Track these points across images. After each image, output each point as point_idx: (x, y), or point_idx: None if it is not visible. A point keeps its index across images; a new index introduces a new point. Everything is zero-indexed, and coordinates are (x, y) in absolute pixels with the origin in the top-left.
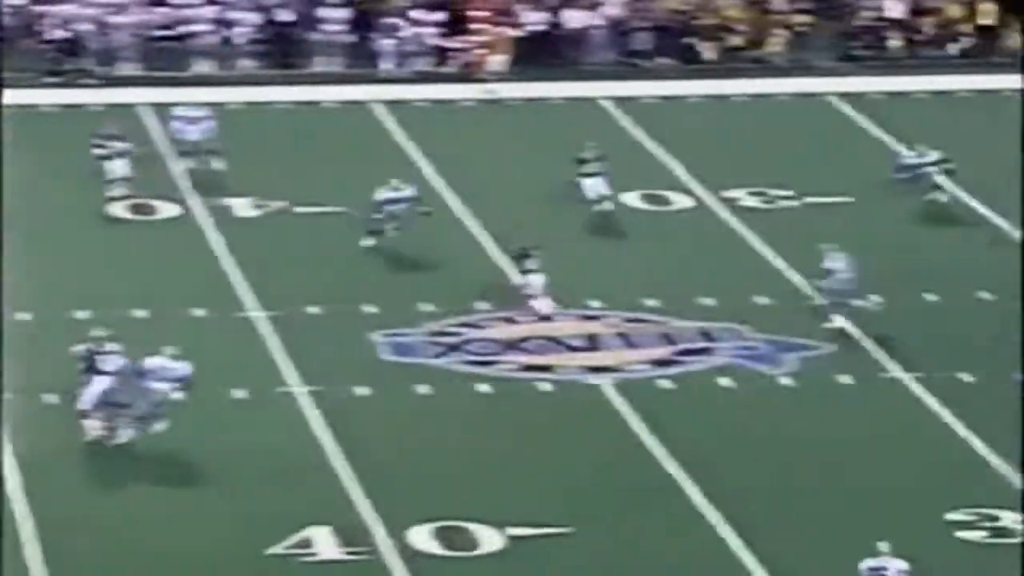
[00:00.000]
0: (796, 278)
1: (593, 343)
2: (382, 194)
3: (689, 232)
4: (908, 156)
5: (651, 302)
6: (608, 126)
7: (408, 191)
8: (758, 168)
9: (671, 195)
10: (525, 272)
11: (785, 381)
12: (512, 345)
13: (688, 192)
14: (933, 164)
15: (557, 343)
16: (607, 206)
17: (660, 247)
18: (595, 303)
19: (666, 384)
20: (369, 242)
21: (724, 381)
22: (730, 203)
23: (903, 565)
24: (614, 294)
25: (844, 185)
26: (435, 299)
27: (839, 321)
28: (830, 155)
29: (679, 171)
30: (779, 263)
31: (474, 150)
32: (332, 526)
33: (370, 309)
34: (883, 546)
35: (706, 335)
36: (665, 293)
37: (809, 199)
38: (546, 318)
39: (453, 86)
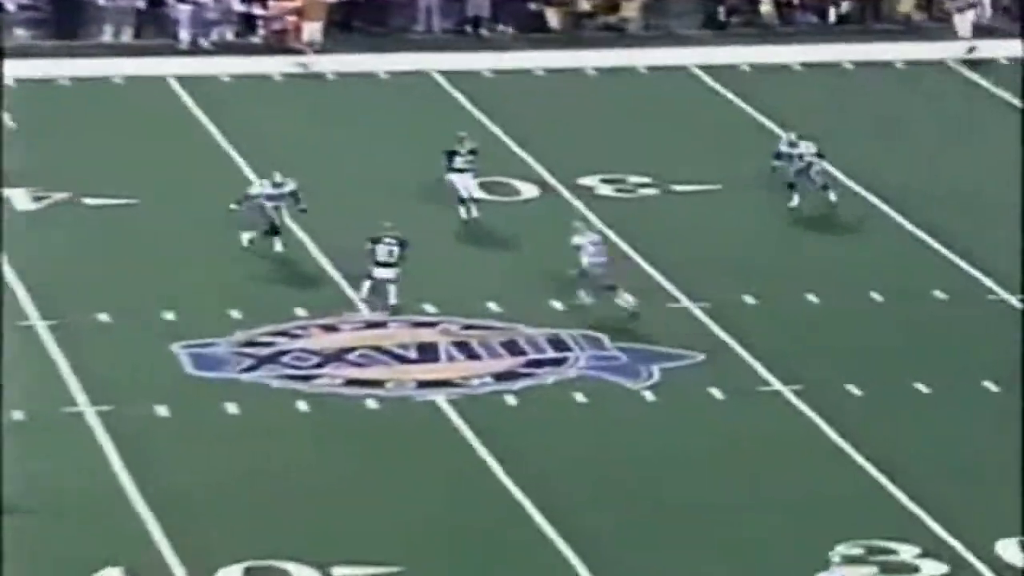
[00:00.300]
0: (660, 278)
1: (427, 353)
2: (257, 188)
3: (537, 226)
4: (787, 144)
5: (493, 306)
6: (441, 103)
7: (289, 186)
8: (613, 152)
9: (517, 183)
10: (380, 265)
11: (648, 396)
12: (334, 356)
13: (536, 180)
14: (817, 155)
15: (386, 354)
16: (474, 212)
17: (504, 243)
18: (429, 307)
19: (511, 401)
20: (247, 237)
21: (578, 396)
22: (584, 192)
23: None
24: (451, 297)
25: (711, 172)
26: (245, 304)
27: (585, 298)
28: (695, 137)
29: (524, 156)
30: (639, 261)
31: (288, 133)
32: (126, 568)
33: (169, 316)
34: (835, 556)
35: (557, 343)
36: (510, 296)
37: (673, 187)
38: (376, 324)
39: (261, 59)
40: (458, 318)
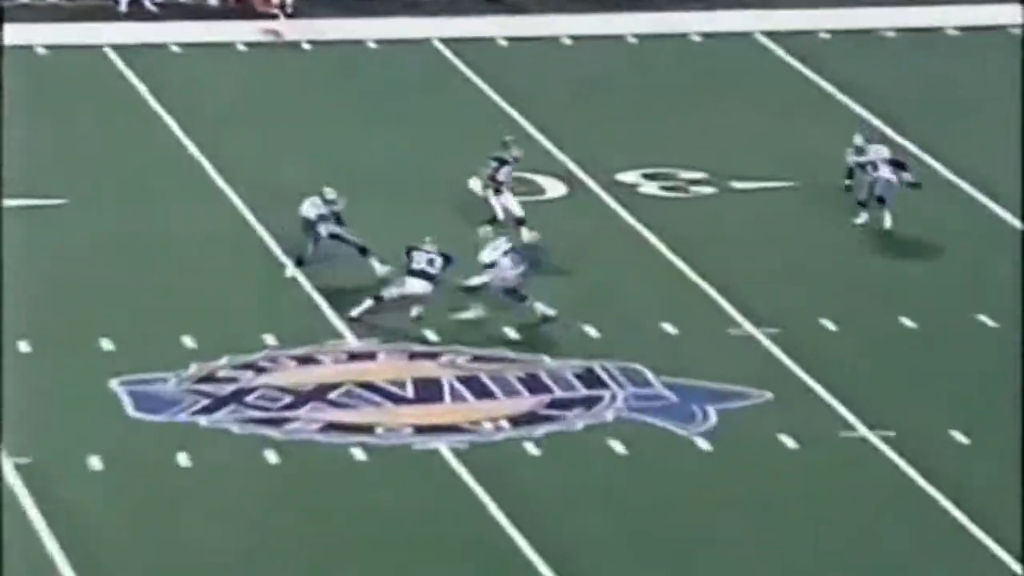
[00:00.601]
0: (718, 297)
1: (427, 391)
2: (310, 209)
3: (564, 232)
4: (855, 150)
5: (510, 332)
6: (445, 79)
7: (338, 204)
8: (660, 140)
9: (539, 179)
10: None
11: (703, 444)
12: (311, 395)
13: (562, 175)
14: (892, 164)
15: (375, 391)
16: (527, 236)
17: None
18: (429, 334)
19: (532, 450)
20: (291, 271)
21: (616, 445)
22: (623, 190)
23: None
24: (454, 322)
25: (783, 165)
26: (201, 330)
27: (474, 312)
28: (763, 120)
29: (548, 145)
30: (691, 275)
31: (255, 117)
32: None
33: (106, 345)
34: None
35: (589, 379)
36: (530, 320)
37: (734, 184)
38: (363, 355)
39: (220, 24)
40: (465, 347)
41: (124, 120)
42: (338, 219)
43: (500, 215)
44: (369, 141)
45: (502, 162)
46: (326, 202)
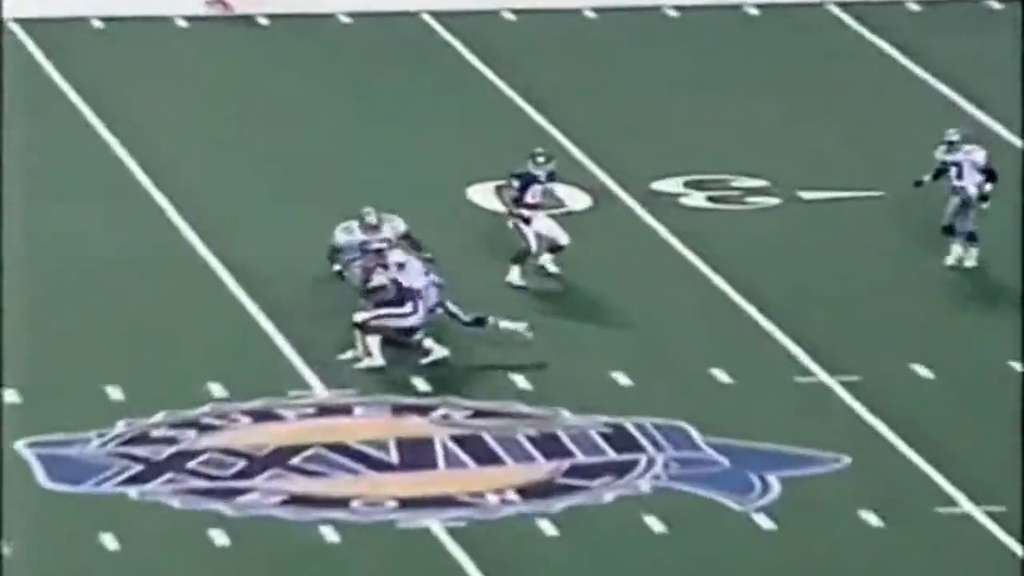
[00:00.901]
0: (782, 337)
1: (416, 454)
2: (344, 235)
3: (588, 252)
4: (945, 148)
5: (519, 380)
6: (437, 61)
7: (391, 228)
8: (708, 140)
9: (559, 188)
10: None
11: (763, 521)
12: (270, 459)
13: (587, 184)
14: (984, 172)
15: (351, 455)
16: (552, 268)
17: (538, 280)
18: (418, 381)
19: (549, 530)
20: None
21: (654, 523)
22: (662, 201)
23: None
24: (454, 364)
25: (863, 171)
26: (131, 377)
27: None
28: (837, 115)
29: (569, 146)
30: (746, 307)
31: (197, 109)
32: None
33: (11, 398)
34: None
35: (620, 438)
36: (545, 363)
37: (800, 194)
38: (335, 409)
39: None
40: (464, 399)
41: (32, 107)
42: (414, 244)
43: (534, 245)
44: (341, 138)
45: (528, 180)
46: (366, 227)
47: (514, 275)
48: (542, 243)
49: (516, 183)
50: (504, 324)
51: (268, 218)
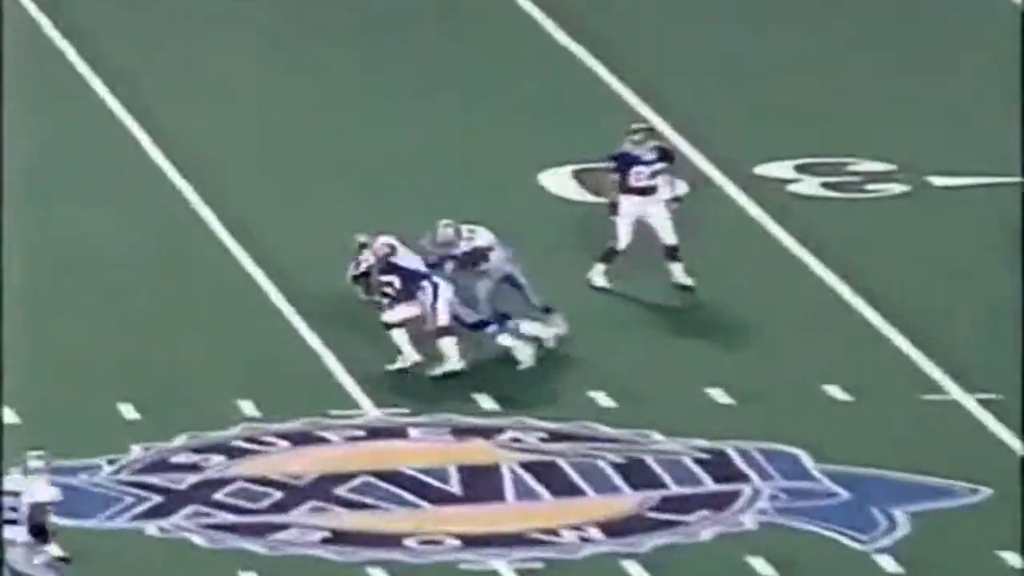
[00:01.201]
0: (910, 349)
1: (480, 484)
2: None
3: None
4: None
5: (600, 397)
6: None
7: (470, 242)
8: (821, 116)
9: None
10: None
11: (887, 563)
12: (312, 490)
13: (679, 166)
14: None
15: (403, 485)
16: (684, 280)
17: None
18: (483, 399)
19: (636, 572)
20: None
21: (760, 565)
22: (768, 188)
23: None
24: (525, 381)
25: (1009, 153)
26: (146, 395)
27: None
28: (974, 88)
29: (658, 120)
30: (866, 312)
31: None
32: None
33: (10, 419)
34: None
35: (719, 464)
36: (631, 377)
37: (932, 180)
38: (387, 431)
39: None
40: (536, 419)
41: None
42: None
43: (622, 242)
44: (368, 109)
45: (630, 161)
46: (439, 243)
47: (596, 274)
48: (663, 240)
49: (611, 163)
50: (517, 332)
51: (310, 208)
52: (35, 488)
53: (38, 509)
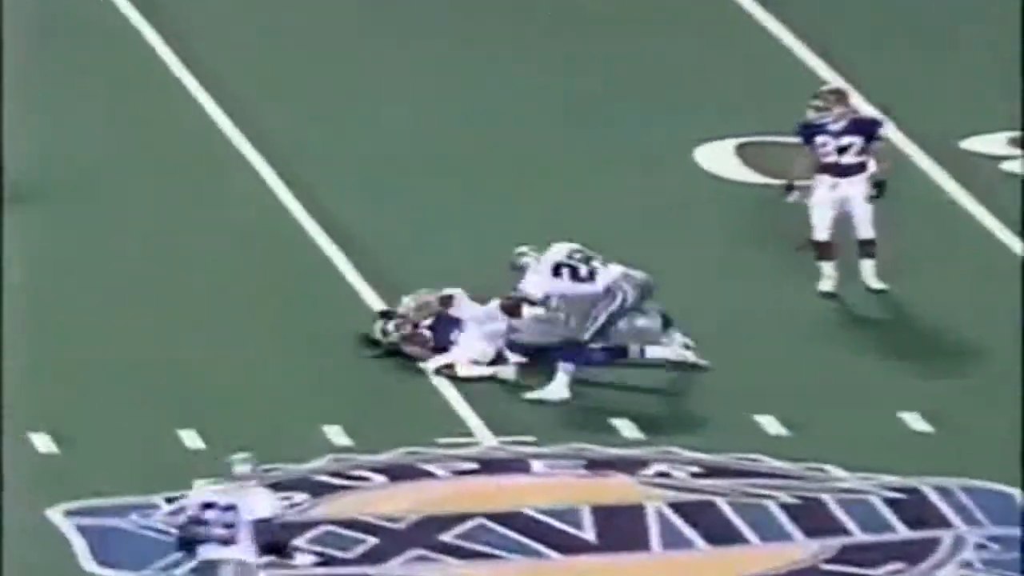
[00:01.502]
0: None
1: (621, 530)
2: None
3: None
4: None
5: (765, 421)
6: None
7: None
8: None
9: None
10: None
11: None
12: (415, 534)
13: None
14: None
15: (527, 530)
16: (875, 283)
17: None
18: (621, 423)
19: None
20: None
21: None
22: (978, 165)
23: None
24: (670, 404)
25: None
26: (212, 420)
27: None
28: None
29: (836, 78)
30: None
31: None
32: None
33: (46, 447)
34: None
35: (910, 506)
36: (802, 398)
37: None
38: (503, 464)
39: None
40: (688, 451)
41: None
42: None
43: (821, 233)
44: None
45: (815, 132)
46: (578, 275)
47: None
48: (857, 232)
49: (804, 130)
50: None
51: (416, 200)
52: (252, 500)
53: (264, 525)
